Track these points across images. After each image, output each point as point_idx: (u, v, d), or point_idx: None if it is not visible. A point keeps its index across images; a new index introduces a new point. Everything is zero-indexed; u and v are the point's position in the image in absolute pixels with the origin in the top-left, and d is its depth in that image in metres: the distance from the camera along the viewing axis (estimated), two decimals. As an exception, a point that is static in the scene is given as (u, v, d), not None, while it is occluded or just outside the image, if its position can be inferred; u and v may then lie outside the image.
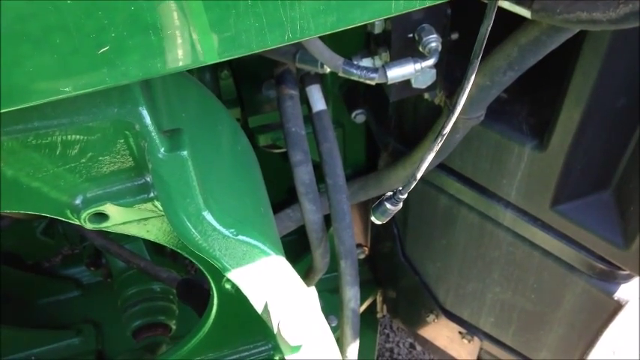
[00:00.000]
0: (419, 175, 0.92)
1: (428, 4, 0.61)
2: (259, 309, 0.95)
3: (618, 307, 1.54)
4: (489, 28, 0.74)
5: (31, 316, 2.34)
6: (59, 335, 2.25)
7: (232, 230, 0.90)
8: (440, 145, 0.84)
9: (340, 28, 0.61)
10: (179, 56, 0.58)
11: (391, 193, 0.96)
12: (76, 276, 2.44)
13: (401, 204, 0.97)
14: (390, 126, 1.70)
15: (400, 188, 0.95)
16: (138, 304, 1.88)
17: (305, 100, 1.56)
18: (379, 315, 2.63)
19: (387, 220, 0.99)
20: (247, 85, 1.79)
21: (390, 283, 2.38)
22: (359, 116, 1.76)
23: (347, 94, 1.79)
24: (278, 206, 1.88)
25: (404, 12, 0.61)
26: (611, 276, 1.52)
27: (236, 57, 0.60)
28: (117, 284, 1.95)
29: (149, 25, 0.54)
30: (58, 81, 0.56)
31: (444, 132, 0.82)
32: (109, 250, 1.81)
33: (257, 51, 0.60)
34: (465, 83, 0.78)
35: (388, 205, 0.95)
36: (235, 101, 1.84)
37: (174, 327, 1.92)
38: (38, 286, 2.38)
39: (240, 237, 0.91)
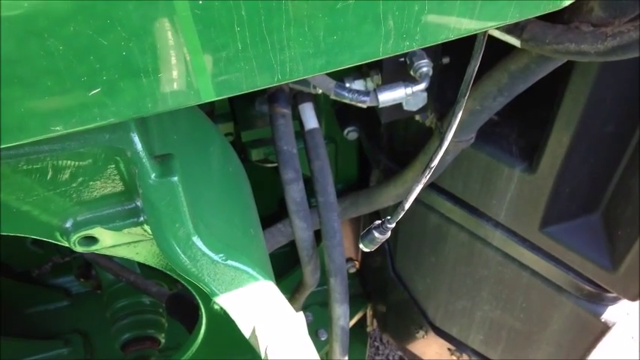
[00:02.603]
0: (407, 206, 0.93)
1: (415, 47, 0.62)
2: (247, 334, 0.96)
3: (605, 328, 1.56)
4: (476, 68, 0.75)
5: (20, 325, 2.33)
6: (47, 345, 2.24)
7: (221, 255, 0.91)
8: (428, 177, 0.85)
9: (329, 70, 0.62)
10: (169, 97, 0.58)
11: (379, 222, 0.97)
12: (65, 285, 2.42)
13: (389, 233, 0.98)
14: (381, 144, 1.71)
15: (389, 217, 0.96)
16: (127, 316, 1.87)
17: (298, 117, 1.57)
18: (369, 329, 2.64)
19: (375, 247, 1.00)
20: (241, 100, 1.80)
21: (380, 298, 2.39)
22: (351, 133, 1.77)
23: (340, 110, 1.80)
24: (270, 219, 1.89)
25: (392, 55, 0.63)
26: (599, 298, 1.53)
27: (226, 97, 0.61)
28: (106, 296, 1.94)
29: (140, 68, 0.55)
30: (49, 121, 0.56)
31: (432, 165, 0.83)
32: (98, 263, 1.81)
33: (247, 91, 0.61)
34: (453, 119, 0.79)
35: (376, 234, 0.96)
36: (229, 115, 1.85)
37: (163, 340, 1.91)
38: (27, 295, 2.37)
39: (229, 262, 0.91)
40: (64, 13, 0.49)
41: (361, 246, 1.01)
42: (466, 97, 0.79)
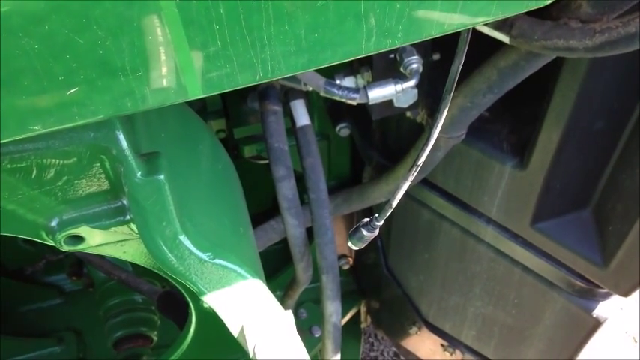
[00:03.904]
0: (395, 203, 0.93)
1: (398, 45, 0.61)
2: (235, 332, 0.95)
3: (597, 324, 1.56)
4: (461, 66, 0.75)
5: (13, 323, 2.32)
6: (40, 343, 2.23)
7: (209, 254, 0.90)
8: (416, 174, 0.85)
9: (311, 68, 0.62)
10: (149, 96, 0.58)
11: (367, 220, 0.97)
12: (58, 283, 2.41)
13: (377, 230, 0.97)
14: (373, 141, 1.71)
15: (376, 215, 0.96)
16: (119, 314, 1.86)
17: (289, 114, 1.57)
18: (364, 325, 2.64)
19: (364, 245, 1.00)
20: (233, 97, 1.79)
21: (374, 294, 2.39)
22: (343, 130, 1.77)
23: (332, 107, 1.80)
24: (263, 215, 1.89)
25: (374, 53, 0.62)
26: (590, 293, 1.53)
27: (207, 96, 0.60)
28: (98, 294, 1.93)
29: (118, 67, 0.54)
30: (27, 120, 0.56)
31: (419, 162, 0.83)
32: (90, 262, 1.80)
33: (227, 90, 0.61)
34: (439, 116, 0.78)
35: (365, 232, 0.96)
36: (221, 112, 1.84)
37: (155, 338, 1.91)
38: (20, 292, 2.36)
39: (217, 260, 0.91)
40: (39, 13, 0.49)
41: (350, 244, 1.01)
42: (451, 95, 0.79)
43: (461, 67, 0.77)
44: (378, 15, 0.59)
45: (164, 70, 0.56)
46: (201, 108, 1.82)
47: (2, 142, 0.57)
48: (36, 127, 0.57)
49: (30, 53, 0.50)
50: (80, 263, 2.16)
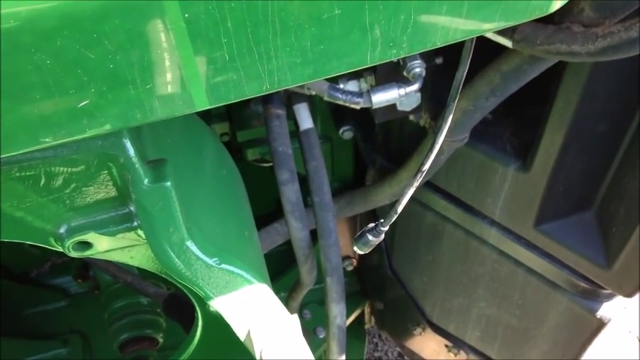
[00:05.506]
0: (400, 209, 0.93)
1: (403, 55, 0.62)
2: (242, 337, 0.96)
3: (601, 325, 1.57)
4: (465, 74, 0.76)
5: (18, 325, 2.33)
6: (46, 346, 2.25)
7: (215, 259, 0.91)
8: (420, 180, 0.85)
9: (317, 78, 0.62)
10: (158, 108, 0.59)
11: (373, 225, 0.97)
12: (63, 286, 2.42)
13: (382, 235, 0.98)
14: (376, 143, 1.71)
15: (382, 220, 0.96)
16: (125, 317, 1.88)
17: (293, 117, 1.57)
18: (367, 326, 2.65)
19: (370, 250, 1.01)
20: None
21: (378, 295, 2.40)
22: (346, 133, 1.77)
23: (335, 110, 1.81)
24: (267, 217, 1.90)
25: (379, 62, 0.63)
26: (594, 294, 1.54)
27: (214, 106, 0.61)
28: (104, 297, 1.95)
29: (128, 80, 0.55)
30: (38, 133, 0.57)
31: (424, 168, 0.84)
32: (96, 265, 1.81)
33: (235, 101, 0.62)
34: (443, 123, 0.79)
35: (370, 237, 0.97)
36: (224, 115, 1.85)
37: (161, 340, 1.92)
38: (25, 295, 2.37)
39: (224, 266, 0.92)
40: (51, 29, 0.49)
41: (355, 249, 1.02)
42: (455, 102, 0.79)
43: (465, 74, 0.77)
44: (383, 26, 0.59)
45: (172, 82, 0.57)
46: (205, 112, 1.83)
47: (14, 154, 0.57)
48: (47, 139, 0.57)
49: (42, 68, 0.51)
50: (86, 266, 2.17)
